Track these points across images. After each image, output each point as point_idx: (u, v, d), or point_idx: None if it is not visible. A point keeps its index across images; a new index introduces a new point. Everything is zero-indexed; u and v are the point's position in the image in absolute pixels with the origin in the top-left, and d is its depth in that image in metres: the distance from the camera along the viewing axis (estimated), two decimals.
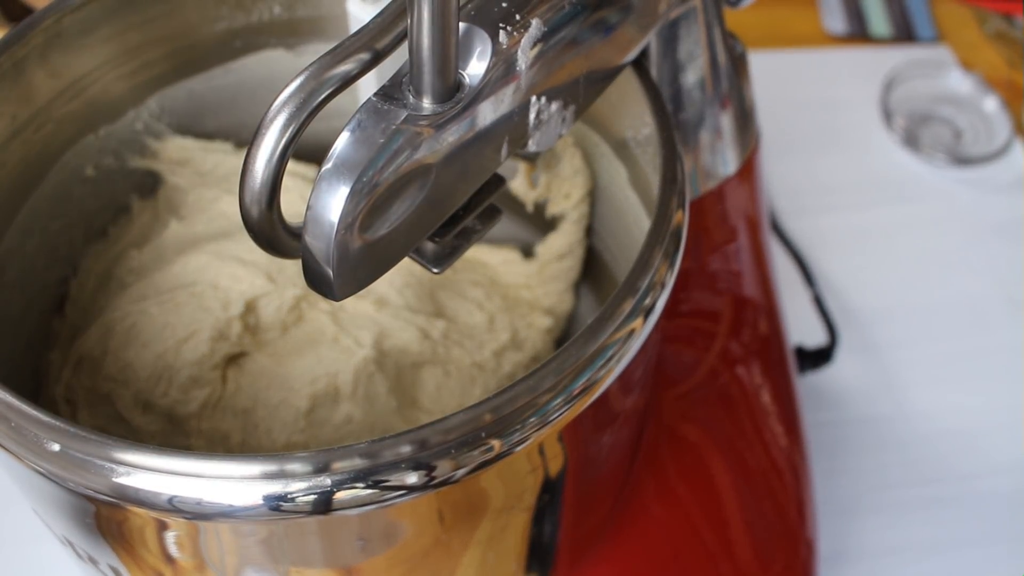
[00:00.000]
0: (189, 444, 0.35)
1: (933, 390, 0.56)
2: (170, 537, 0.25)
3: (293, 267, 0.38)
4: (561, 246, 0.40)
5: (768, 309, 0.44)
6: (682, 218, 0.29)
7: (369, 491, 0.23)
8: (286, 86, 0.22)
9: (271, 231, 0.23)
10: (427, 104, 0.24)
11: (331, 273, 0.23)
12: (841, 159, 0.69)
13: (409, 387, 0.38)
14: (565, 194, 0.39)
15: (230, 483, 0.23)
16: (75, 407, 0.35)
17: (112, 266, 0.39)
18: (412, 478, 0.23)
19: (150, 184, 0.41)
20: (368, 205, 0.23)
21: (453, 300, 0.41)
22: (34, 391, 0.37)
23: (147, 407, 0.35)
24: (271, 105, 0.22)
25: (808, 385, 0.54)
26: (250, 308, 0.37)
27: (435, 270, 0.28)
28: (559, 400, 0.25)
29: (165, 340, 0.36)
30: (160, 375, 0.35)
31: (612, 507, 0.38)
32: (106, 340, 0.36)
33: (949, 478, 0.52)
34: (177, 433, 0.35)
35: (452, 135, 0.24)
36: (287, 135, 0.22)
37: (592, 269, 0.42)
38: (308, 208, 0.23)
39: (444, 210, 0.26)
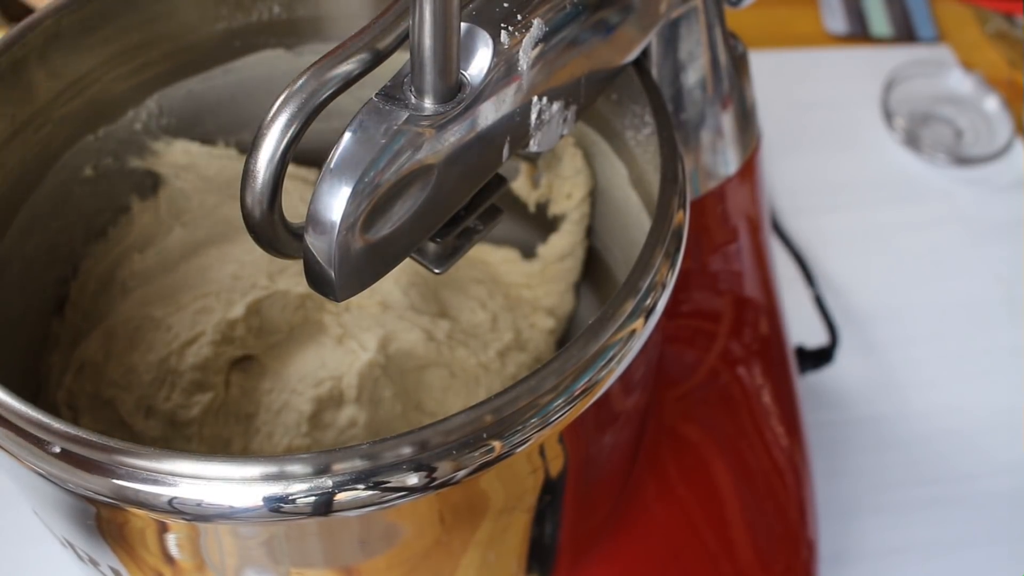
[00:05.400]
0: (190, 449, 0.35)
1: (933, 390, 0.56)
2: (171, 538, 0.25)
3: (295, 266, 0.38)
4: (563, 246, 0.40)
5: (769, 309, 0.44)
6: (683, 218, 0.29)
7: (370, 492, 0.23)
8: (287, 86, 0.22)
9: (273, 232, 0.23)
10: (429, 104, 0.24)
11: (333, 274, 0.23)
12: (842, 159, 0.69)
13: (414, 390, 0.38)
14: (566, 194, 0.39)
15: (230, 485, 0.23)
16: (77, 412, 0.35)
17: (113, 269, 0.39)
18: (413, 479, 0.23)
19: (150, 184, 0.41)
20: (370, 206, 0.23)
21: (456, 298, 0.41)
22: (34, 393, 0.36)
23: (149, 412, 0.35)
24: (272, 105, 0.22)
25: (809, 385, 0.54)
26: (253, 310, 0.37)
27: (437, 271, 0.28)
28: (560, 401, 0.25)
29: (169, 344, 0.36)
30: (163, 379, 0.35)
31: (613, 507, 0.37)
32: (109, 345, 0.36)
33: (950, 478, 0.52)
34: (178, 438, 0.35)
35: (454, 135, 0.24)
36: (288, 135, 0.22)
37: (593, 269, 0.42)
38: (310, 209, 0.23)
39: (446, 210, 0.26)
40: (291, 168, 0.42)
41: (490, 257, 0.44)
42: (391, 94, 0.24)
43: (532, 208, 0.40)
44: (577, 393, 0.25)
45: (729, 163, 0.39)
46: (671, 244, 0.28)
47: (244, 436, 0.36)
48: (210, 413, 0.36)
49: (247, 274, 0.38)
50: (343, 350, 0.37)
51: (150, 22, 0.36)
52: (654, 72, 0.35)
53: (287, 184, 0.38)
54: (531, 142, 0.28)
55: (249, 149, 0.22)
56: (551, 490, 0.29)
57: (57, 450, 0.23)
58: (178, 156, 0.40)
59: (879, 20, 0.79)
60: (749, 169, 0.40)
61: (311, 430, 0.36)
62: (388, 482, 0.23)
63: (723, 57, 0.37)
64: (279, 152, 0.22)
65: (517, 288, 0.42)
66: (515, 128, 0.26)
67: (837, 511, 0.50)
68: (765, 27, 0.75)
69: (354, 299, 0.25)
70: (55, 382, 0.36)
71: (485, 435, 0.24)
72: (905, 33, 0.78)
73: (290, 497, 0.23)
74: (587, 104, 0.29)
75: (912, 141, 0.69)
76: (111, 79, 0.36)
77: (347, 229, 0.22)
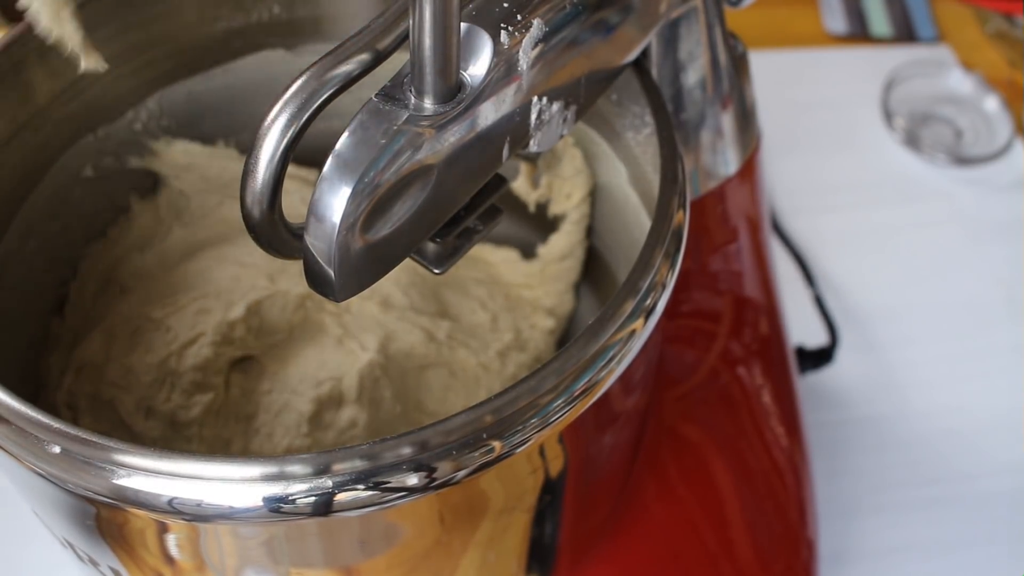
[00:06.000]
0: (190, 450, 0.35)
1: (933, 390, 0.56)
2: (170, 539, 0.25)
3: (295, 266, 0.38)
4: (563, 247, 0.40)
5: (769, 309, 0.44)
6: (683, 218, 0.29)
7: (369, 493, 0.23)
8: (287, 86, 0.22)
9: (273, 232, 0.23)
10: (428, 104, 0.24)
11: (332, 274, 0.23)
12: (842, 159, 0.69)
13: (414, 391, 0.38)
14: (566, 194, 0.39)
15: (230, 485, 0.23)
16: (77, 413, 0.35)
17: (113, 269, 0.39)
18: (413, 479, 0.23)
19: (149, 184, 0.41)
20: (370, 206, 0.23)
21: (457, 298, 0.41)
22: (34, 393, 0.36)
23: (149, 413, 0.35)
24: (273, 106, 0.22)
25: (809, 385, 0.54)
26: (253, 310, 0.37)
27: (436, 271, 0.28)
28: (560, 401, 0.25)
29: (168, 344, 0.36)
30: (163, 380, 0.35)
31: (613, 508, 0.37)
32: (109, 345, 0.36)
33: (949, 478, 0.52)
34: (179, 439, 0.35)
35: (453, 135, 0.24)
36: (288, 136, 0.22)
37: (593, 269, 0.42)
38: (310, 209, 0.23)
39: (446, 210, 0.26)
40: (291, 168, 0.42)
41: (490, 257, 0.44)
42: (391, 94, 0.24)
43: (532, 208, 0.40)
44: (577, 393, 0.25)
45: (729, 163, 0.39)
46: (671, 244, 0.28)
47: (244, 437, 0.36)
48: (210, 414, 0.36)
49: (247, 275, 0.38)
50: (343, 350, 0.37)
51: (150, 22, 0.36)
52: (654, 72, 0.35)
53: (287, 184, 0.38)
54: (531, 142, 0.28)
55: (249, 149, 0.22)
56: (551, 490, 0.29)
57: (57, 450, 0.23)
58: (178, 156, 0.40)
59: (879, 20, 0.79)
60: (749, 169, 0.40)
61: (311, 430, 0.36)
62: (388, 482, 0.23)
63: (723, 57, 0.37)
64: (279, 152, 0.22)
65: (517, 288, 0.42)
66: (515, 128, 0.26)
67: (837, 511, 0.50)
68: (765, 27, 0.75)
69: (354, 299, 0.24)
70: (55, 382, 0.36)
71: (485, 435, 0.24)
72: (905, 33, 0.78)
73: (290, 497, 0.23)
74: (587, 104, 0.29)
75: (912, 141, 0.69)
76: (111, 79, 0.36)
77: (347, 229, 0.22)
